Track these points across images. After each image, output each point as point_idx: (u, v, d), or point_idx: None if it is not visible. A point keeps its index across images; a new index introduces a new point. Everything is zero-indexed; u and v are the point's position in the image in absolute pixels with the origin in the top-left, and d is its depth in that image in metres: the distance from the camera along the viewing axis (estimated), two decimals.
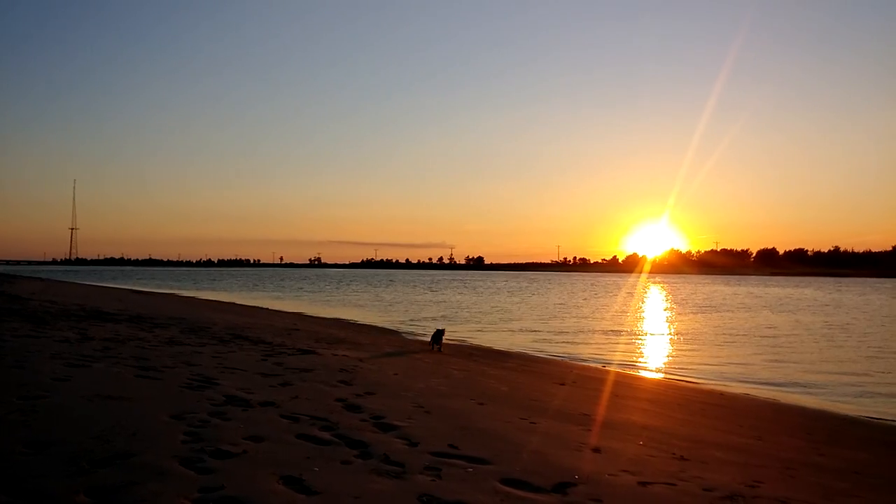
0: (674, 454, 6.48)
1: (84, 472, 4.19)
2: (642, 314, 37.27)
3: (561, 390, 11.22)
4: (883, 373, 15.96)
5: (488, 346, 19.64)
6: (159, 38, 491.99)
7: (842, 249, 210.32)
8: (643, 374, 15.64)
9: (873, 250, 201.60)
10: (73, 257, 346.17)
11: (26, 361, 8.20)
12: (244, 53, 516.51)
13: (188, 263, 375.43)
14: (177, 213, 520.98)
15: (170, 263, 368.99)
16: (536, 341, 21.70)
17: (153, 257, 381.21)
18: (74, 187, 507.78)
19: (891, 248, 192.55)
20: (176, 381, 7.70)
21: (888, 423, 10.90)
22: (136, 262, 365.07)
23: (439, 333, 16.08)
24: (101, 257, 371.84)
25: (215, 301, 38.28)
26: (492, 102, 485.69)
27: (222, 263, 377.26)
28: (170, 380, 7.74)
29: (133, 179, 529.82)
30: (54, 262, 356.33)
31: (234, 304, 36.47)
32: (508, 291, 66.71)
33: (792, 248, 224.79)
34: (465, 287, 78.40)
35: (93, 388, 6.76)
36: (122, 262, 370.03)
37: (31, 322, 13.35)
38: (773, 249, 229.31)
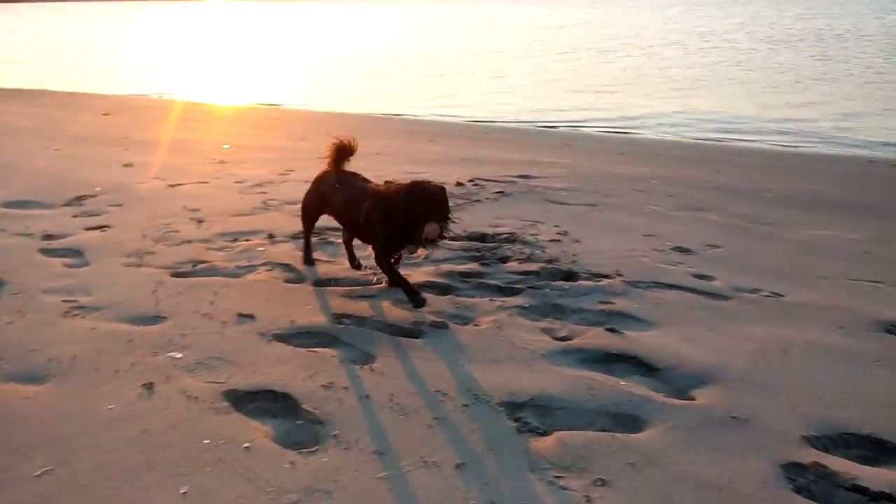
0: (214, 160, 6.54)
1: None
2: (207, 46, 35.20)
3: (105, 120, 10.35)
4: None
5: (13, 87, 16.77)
6: None
7: None
8: (202, 100, 15.10)
9: None
10: None
11: None
12: None
13: None
14: None
15: None
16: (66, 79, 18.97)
17: None
18: None
19: None
20: None
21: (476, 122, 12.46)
22: None
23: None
24: None
25: None
26: None
27: None
28: None
29: None
30: None
31: None
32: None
33: None
34: None
35: None
36: None
37: None
38: None
